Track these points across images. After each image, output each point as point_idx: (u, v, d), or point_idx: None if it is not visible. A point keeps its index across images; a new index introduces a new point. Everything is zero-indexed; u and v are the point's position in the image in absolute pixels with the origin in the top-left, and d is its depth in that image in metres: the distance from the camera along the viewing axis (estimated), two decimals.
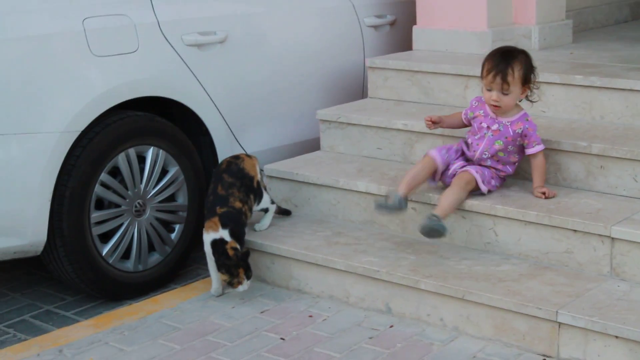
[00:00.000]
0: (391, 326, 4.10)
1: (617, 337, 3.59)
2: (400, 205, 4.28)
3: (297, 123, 5.46)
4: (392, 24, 6.01)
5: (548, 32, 5.72)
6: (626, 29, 6.56)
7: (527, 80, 4.26)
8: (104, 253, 4.50)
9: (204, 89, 4.91)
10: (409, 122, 4.92)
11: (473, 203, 4.29)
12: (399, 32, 6.06)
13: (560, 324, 3.73)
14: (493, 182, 4.34)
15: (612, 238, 3.97)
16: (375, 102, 5.47)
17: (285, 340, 3.98)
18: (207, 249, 4.36)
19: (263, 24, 5.27)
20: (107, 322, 4.27)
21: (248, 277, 4.28)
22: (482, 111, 4.37)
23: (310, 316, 4.23)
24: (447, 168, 4.37)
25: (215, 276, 4.43)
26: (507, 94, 4.23)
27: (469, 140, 4.39)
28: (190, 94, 4.86)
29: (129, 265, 4.61)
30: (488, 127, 4.31)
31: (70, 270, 4.42)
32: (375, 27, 5.90)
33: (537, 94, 4.41)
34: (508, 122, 4.30)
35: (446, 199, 4.23)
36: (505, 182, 4.43)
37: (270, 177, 5.02)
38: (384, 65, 5.48)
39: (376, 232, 4.63)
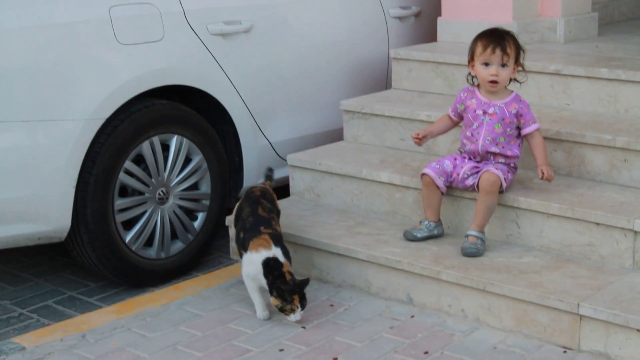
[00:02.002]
0: (412, 316, 4.11)
1: (638, 330, 3.58)
2: (432, 232, 4.34)
3: (321, 113, 5.46)
4: (417, 15, 6.01)
5: (573, 24, 5.70)
6: None
7: (519, 56, 4.29)
8: (127, 240, 4.52)
9: (228, 78, 4.92)
10: (432, 114, 4.92)
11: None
12: (424, 24, 6.06)
13: (581, 316, 3.72)
14: (510, 175, 4.30)
15: (635, 232, 3.96)
16: (399, 93, 5.47)
17: (306, 329, 3.99)
18: (253, 270, 4.00)
19: (288, 14, 5.28)
20: (130, 309, 4.30)
21: (302, 307, 3.96)
22: (474, 99, 4.34)
23: (332, 305, 4.24)
24: (451, 175, 4.33)
25: (258, 300, 4.10)
26: (505, 67, 4.23)
27: (468, 133, 4.34)
28: (214, 83, 4.87)
29: (152, 252, 4.64)
30: (485, 112, 4.29)
31: (94, 257, 4.45)
32: (400, 18, 5.90)
33: (525, 74, 4.40)
34: (502, 103, 4.29)
35: (479, 213, 4.21)
36: (517, 171, 4.41)
37: (293, 166, 5.04)
38: (408, 56, 5.48)
39: (398, 222, 4.64)
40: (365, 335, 3.94)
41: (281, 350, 3.82)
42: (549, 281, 3.92)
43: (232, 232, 4.38)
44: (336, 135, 5.45)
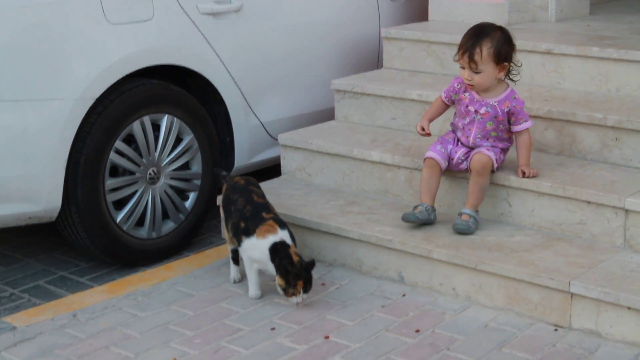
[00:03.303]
0: (404, 295, 4.12)
1: (629, 308, 3.59)
2: (429, 216, 4.26)
3: (312, 93, 5.45)
4: None
5: (565, 3, 5.69)
6: None
7: (503, 58, 4.12)
8: (118, 220, 4.51)
9: (219, 58, 4.91)
10: (423, 93, 4.91)
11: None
12: (415, 3, 6.04)
13: (572, 294, 3.73)
14: (502, 156, 4.28)
15: (626, 210, 3.97)
16: (390, 72, 5.46)
17: (297, 307, 4.00)
18: (259, 255, 3.98)
19: None
20: (121, 288, 4.30)
21: (305, 291, 3.93)
22: (467, 94, 4.24)
23: (323, 284, 4.24)
24: (451, 158, 4.30)
25: (254, 279, 4.10)
26: (478, 73, 4.12)
27: (459, 124, 4.30)
28: (205, 62, 4.86)
29: (143, 232, 4.63)
30: (476, 111, 4.21)
31: (85, 237, 4.44)
32: None
33: (518, 71, 4.25)
34: (495, 102, 4.19)
35: (472, 193, 4.20)
36: (508, 153, 4.40)
37: (284, 146, 5.03)
38: (400, 35, 5.46)
39: (390, 201, 4.64)
40: (356, 314, 3.94)
41: (272, 329, 3.82)
42: (540, 260, 3.92)
43: (222, 224, 4.33)
44: (327, 115, 5.44)
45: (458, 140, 4.32)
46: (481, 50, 4.09)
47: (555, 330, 3.77)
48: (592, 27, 5.42)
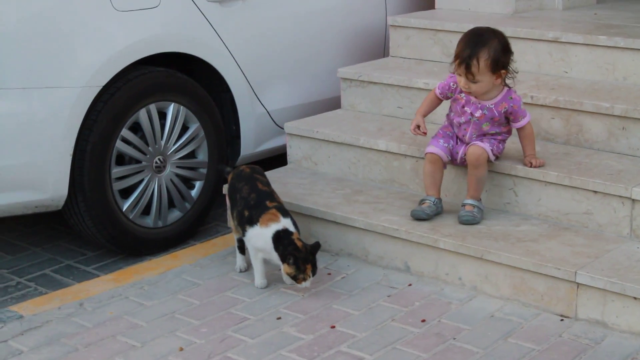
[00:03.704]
0: (410, 284, 4.12)
1: (635, 298, 3.59)
2: (437, 209, 4.25)
3: (318, 81, 5.44)
4: None
5: None
6: None
7: (500, 66, 4.05)
8: (124, 208, 4.52)
9: (225, 46, 4.90)
10: (430, 81, 4.90)
11: (493, 163, 4.27)
12: None
13: (578, 284, 3.73)
14: (501, 145, 4.25)
15: (633, 200, 3.96)
16: (396, 60, 5.45)
17: (304, 297, 4.00)
18: (262, 244, 3.98)
19: None
20: (127, 277, 4.30)
21: (313, 274, 3.95)
22: (462, 95, 4.19)
23: (329, 274, 4.24)
24: (454, 157, 4.27)
25: (260, 268, 4.09)
26: (475, 82, 4.06)
27: (455, 121, 4.25)
28: (211, 50, 4.85)
29: (149, 221, 4.63)
30: (472, 114, 4.16)
31: (91, 225, 4.45)
32: None
33: (513, 79, 4.17)
34: (492, 104, 4.14)
35: (471, 185, 4.20)
36: (514, 142, 4.37)
37: (291, 134, 5.02)
38: (406, 23, 5.45)
39: (396, 190, 4.63)
40: (362, 304, 3.94)
41: (278, 318, 3.82)
42: (546, 249, 3.92)
43: (228, 213, 4.32)
44: (334, 104, 5.43)
45: (457, 136, 4.29)
46: (478, 62, 4.02)
47: (562, 320, 3.77)
48: (599, 16, 5.40)
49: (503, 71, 4.09)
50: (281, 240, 3.93)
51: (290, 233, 3.95)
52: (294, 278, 3.94)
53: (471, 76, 4.05)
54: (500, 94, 4.16)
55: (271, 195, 4.13)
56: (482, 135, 4.21)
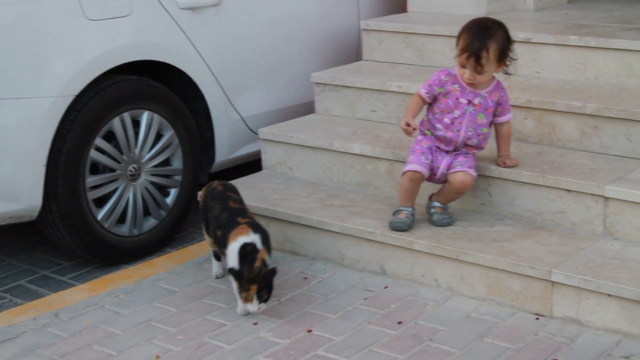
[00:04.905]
0: (386, 287, 4.12)
1: (609, 295, 3.61)
2: (414, 218, 4.21)
3: (292, 86, 5.45)
4: None
5: None
6: None
7: (504, 56, 4.06)
8: (99, 217, 4.50)
9: (198, 53, 4.90)
10: (403, 84, 4.91)
11: None
12: None
13: (553, 283, 3.74)
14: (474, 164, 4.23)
15: (606, 197, 3.98)
16: (369, 64, 5.46)
17: (280, 301, 4.00)
18: (234, 261, 3.81)
19: None
20: (103, 286, 4.29)
21: (259, 298, 3.75)
22: (456, 85, 4.12)
23: (305, 278, 4.24)
24: (434, 172, 4.19)
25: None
26: (481, 74, 4.05)
27: (446, 120, 4.14)
28: (184, 57, 4.84)
29: (125, 229, 4.62)
30: (469, 102, 4.11)
31: (66, 235, 4.43)
32: None
33: (514, 66, 4.20)
34: (486, 93, 4.13)
35: (446, 196, 4.19)
36: (488, 143, 4.33)
37: (265, 140, 5.02)
38: (379, 27, 5.46)
39: (371, 194, 4.64)
40: (339, 307, 3.95)
41: (255, 323, 3.82)
42: (520, 249, 3.94)
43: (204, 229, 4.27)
44: (308, 108, 5.44)
45: (437, 147, 4.20)
46: (488, 53, 4.00)
47: (537, 319, 3.78)
48: (570, 16, 5.43)
49: (502, 62, 4.09)
50: (246, 254, 3.78)
51: (257, 250, 3.80)
52: (239, 294, 3.80)
53: (480, 67, 4.02)
54: (492, 83, 4.16)
55: (244, 211, 4.04)
56: (477, 133, 4.15)
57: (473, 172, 4.14)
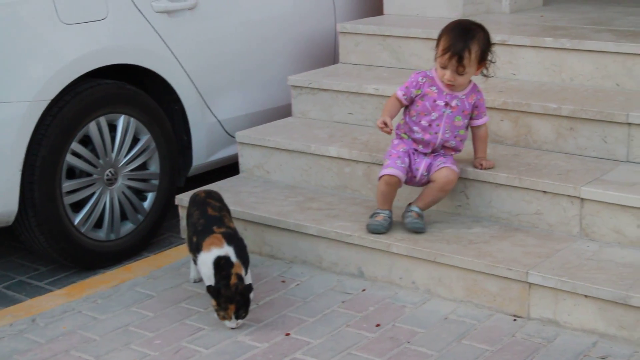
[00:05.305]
0: (364, 290, 4.13)
1: (586, 296, 3.63)
2: (391, 221, 4.21)
3: (269, 89, 5.45)
4: None
5: None
6: None
7: (484, 58, 4.07)
8: (76, 222, 4.49)
9: (175, 56, 4.89)
10: (380, 87, 4.92)
11: None
12: None
13: (530, 284, 3.76)
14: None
15: (582, 199, 4.00)
16: (346, 67, 5.46)
17: (258, 305, 3.99)
18: (207, 272, 3.76)
19: None
20: (80, 291, 4.27)
21: (238, 317, 3.73)
22: (434, 88, 4.12)
23: (283, 281, 4.24)
24: (413, 175, 4.19)
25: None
26: (462, 75, 4.05)
27: (424, 122, 4.13)
28: (160, 61, 4.83)
29: (102, 234, 4.61)
30: (447, 104, 4.11)
31: (42, 240, 4.41)
32: None
33: (492, 68, 4.17)
34: (463, 95, 4.14)
35: (427, 199, 4.17)
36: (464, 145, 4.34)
37: (242, 143, 5.02)
38: (355, 30, 5.47)
39: (348, 196, 4.64)
40: (317, 310, 3.95)
41: (233, 328, 3.81)
42: (498, 250, 3.95)
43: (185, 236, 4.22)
44: (285, 111, 5.44)
45: (415, 150, 4.20)
46: (470, 54, 4.00)
47: (514, 320, 3.79)
48: (545, 18, 5.46)
49: (485, 62, 4.10)
50: (220, 269, 3.72)
51: (231, 264, 3.74)
52: (216, 312, 3.76)
53: (462, 68, 4.02)
54: (469, 85, 4.16)
55: (221, 220, 3.96)
56: (454, 135, 4.15)
57: (456, 169, 4.15)
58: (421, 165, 4.17)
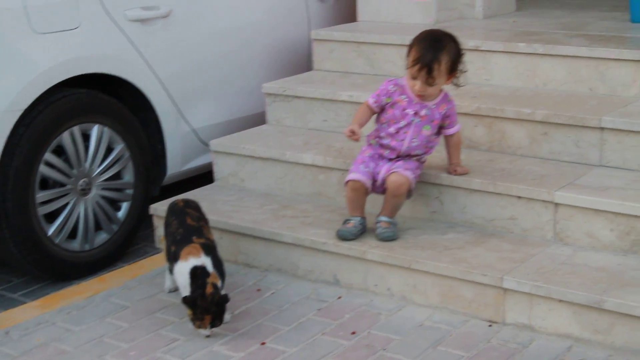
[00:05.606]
0: (339, 297, 4.12)
1: (560, 300, 3.63)
2: (363, 228, 4.21)
3: (243, 97, 5.43)
4: None
5: (492, 0, 5.74)
6: None
7: (454, 68, 4.09)
8: (49, 233, 4.46)
9: (148, 65, 4.87)
10: (354, 94, 4.92)
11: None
12: (344, 4, 6.05)
13: (505, 289, 3.76)
14: (419, 171, 4.22)
15: (556, 203, 4.01)
16: (320, 74, 5.46)
17: (234, 314, 3.97)
18: (183, 281, 3.75)
19: None
20: (54, 303, 4.24)
21: (214, 326, 3.72)
22: (404, 96, 4.13)
23: (259, 290, 4.23)
24: (375, 179, 4.18)
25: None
26: (433, 86, 4.06)
27: (391, 129, 4.14)
28: (134, 70, 4.82)
29: (76, 244, 4.58)
30: (416, 113, 4.12)
31: (16, 252, 4.38)
32: None
33: (464, 78, 4.18)
34: (434, 104, 4.14)
35: (387, 206, 4.17)
36: (438, 151, 4.37)
37: (217, 152, 5.00)
38: (329, 37, 5.47)
39: (323, 204, 4.64)
40: (292, 319, 3.94)
41: (208, 336, 3.79)
42: (472, 256, 3.95)
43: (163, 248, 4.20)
44: (260, 119, 5.43)
45: (380, 155, 4.20)
46: (440, 65, 4.01)
47: (490, 325, 3.80)
48: (518, 23, 5.48)
49: (452, 74, 4.10)
50: (196, 278, 3.70)
51: (207, 274, 3.72)
52: (191, 321, 3.73)
53: (432, 80, 4.03)
54: (439, 95, 4.16)
55: (200, 230, 3.94)
56: (422, 144, 4.16)
57: (408, 173, 4.11)
58: (382, 169, 4.17)
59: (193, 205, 4.13)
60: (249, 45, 5.45)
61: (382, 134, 4.19)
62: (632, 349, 3.53)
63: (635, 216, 3.85)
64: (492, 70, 4.93)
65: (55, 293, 4.39)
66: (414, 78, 4.07)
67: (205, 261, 3.76)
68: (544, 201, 4.04)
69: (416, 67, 4.03)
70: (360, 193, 4.17)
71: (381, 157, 4.20)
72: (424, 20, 5.53)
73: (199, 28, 5.17)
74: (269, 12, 5.58)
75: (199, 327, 3.74)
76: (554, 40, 4.87)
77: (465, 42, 4.88)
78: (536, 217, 4.08)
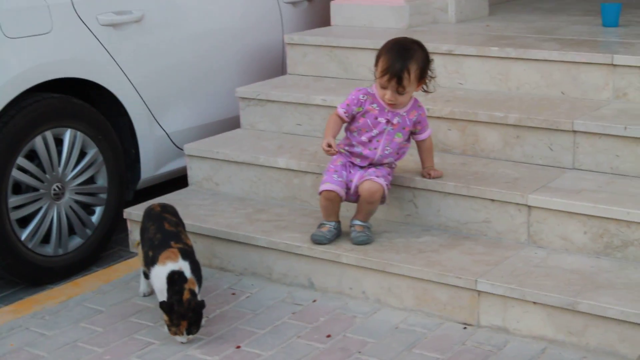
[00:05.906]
0: (314, 301, 4.12)
1: (535, 303, 3.65)
2: (338, 232, 4.21)
3: (217, 101, 5.43)
4: (310, 0, 6.01)
5: (464, 4, 5.77)
6: (541, 0, 6.65)
7: (423, 75, 4.08)
8: (23, 238, 4.43)
9: (121, 69, 4.86)
10: (328, 98, 4.93)
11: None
12: (318, 8, 6.06)
13: (479, 292, 3.78)
14: (390, 177, 4.23)
15: (529, 206, 4.04)
16: (294, 78, 5.47)
17: (208, 318, 3.97)
18: (159, 285, 3.74)
19: (180, 3, 5.23)
20: (28, 308, 4.21)
21: (190, 333, 3.70)
22: (375, 105, 4.12)
23: (234, 294, 4.22)
24: (348, 187, 4.17)
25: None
26: (403, 94, 4.06)
27: (363, 138, 4.14)
28: (106, 74, 4.80)
29: (49, 249, 4.55)
30: (388, 121, 4.11)
31: None
32: (294, 3, 5.90)
33: (433, 84, 4.16)
34: (404, 112, 4.14)
35: (361, 211, 4.17)
36: (413, 156, 4.39)
37: (191, 156, 4.99)
38: (303, 41, 5.48)
39: (297, 207, 4.64)
40: (267, 322, 3.93)
41: (183, 343, 3.78)
42: (447, 259, 3.97)
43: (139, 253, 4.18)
44: (233, 123, 5.42)
45: (352, 163, 4.20)
46: (409, 74, 4.00)
47: (464, 328, 3.81)
48: (491, 28, 5.51)
49: (422, 81, 4.10)
50: (174, 283, 3.69)
51: (185, 279, 3.71)
52: (168, 328, 3.72)
53: (402, 89, 4.03)
54: (410, 102, 4.16)
55: (178, 235, 3.92)
56: (395, 151, 4.17)
57: (381, 181, 4.11)
58: (355, 177, 4.17)
59: (171, 210, 4.12)
60: (222, 50, 5.45)
61: (354, 142, 4.19)
62: (605, 350, 3.56)
63: (608, 219, 3.88)
64: (465, 74, 4.95)
65: (28, 298, 4.36)
66: (384, 88, 4.07)
67: (183, 266, 3.75)
68: (517, 204, 4.07)
69: (385, 77, 4.03)
70: (334, 202, 4.17)
71: (352, 165, 4.20)
72: (396, 24, 5.55)
73: (172, 32, 5.16)
74: (243, 17, 5.58)
75: (175, 333, 3.73)
76: (526, 44, 4.91)
77: (439, 46, 4.95)
78: (510, 220, 4.10)
